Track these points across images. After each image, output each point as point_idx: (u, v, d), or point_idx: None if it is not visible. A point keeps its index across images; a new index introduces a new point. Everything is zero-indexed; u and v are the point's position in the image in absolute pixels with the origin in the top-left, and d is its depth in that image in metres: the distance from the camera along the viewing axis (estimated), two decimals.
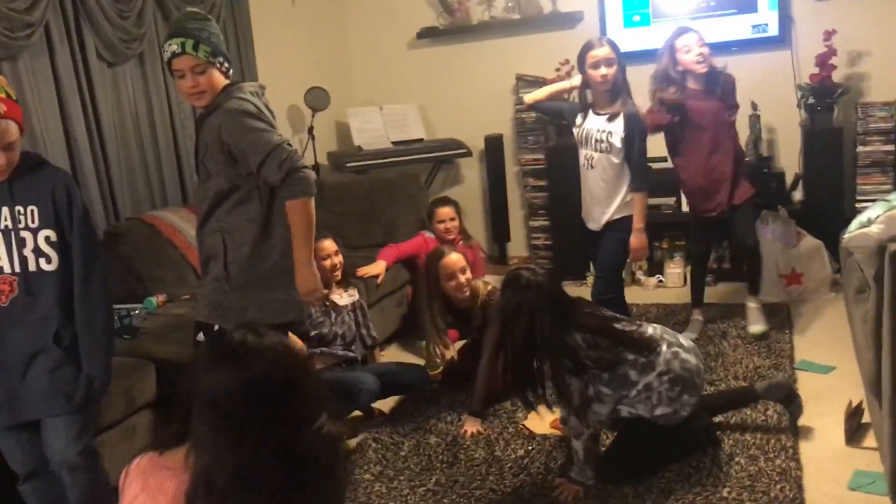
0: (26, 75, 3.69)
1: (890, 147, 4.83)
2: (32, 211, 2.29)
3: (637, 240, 3.60)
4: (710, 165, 3.99)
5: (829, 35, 4.84)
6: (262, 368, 1.46)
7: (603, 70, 3.53)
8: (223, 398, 1.43)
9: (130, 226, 3.90)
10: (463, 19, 5.88)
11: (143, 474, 1.51)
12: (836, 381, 3.52)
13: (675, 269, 5.24)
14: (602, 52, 3.54)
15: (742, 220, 4.06)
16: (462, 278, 3.65)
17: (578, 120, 3.71)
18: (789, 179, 5.13)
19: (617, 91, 3.58)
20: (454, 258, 3.69)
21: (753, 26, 5.16)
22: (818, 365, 3.68)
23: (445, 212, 4.69)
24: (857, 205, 4.92)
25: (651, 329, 2.78)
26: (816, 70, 4.89)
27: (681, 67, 3.93)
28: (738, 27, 5.19)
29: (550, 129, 5.72)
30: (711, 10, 5.28)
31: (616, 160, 3.61)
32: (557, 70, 5.56)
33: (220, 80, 2.57)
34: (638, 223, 3.60)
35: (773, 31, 5.12)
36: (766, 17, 5.15)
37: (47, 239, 2.30)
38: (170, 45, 2.48)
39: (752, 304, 4.19)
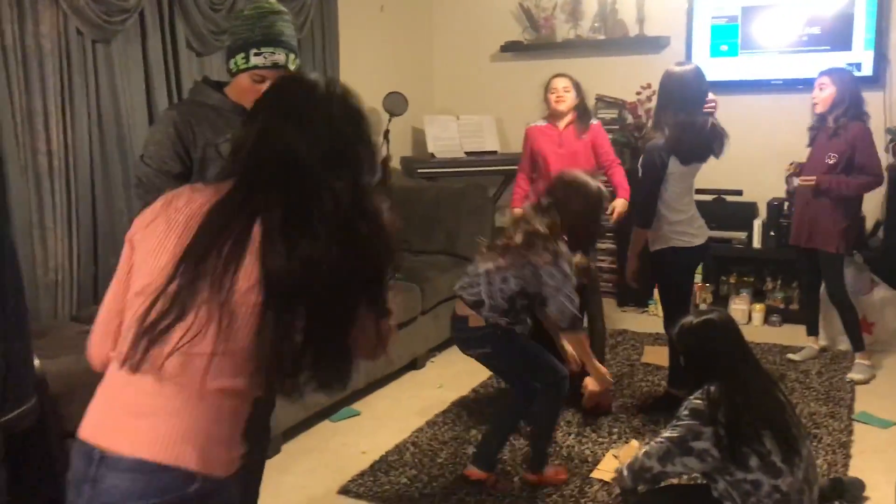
0: (118, 58, 3.84)
1: None
2: None
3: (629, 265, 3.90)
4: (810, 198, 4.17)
5: None
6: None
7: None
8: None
9: None
10: (548, 36, 5.89)
11: (168, 196, 1.44)
12: (894, 437, 3.38)
13: (741, 306, 5.11)
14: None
15: (827, 269, 4.13)
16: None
17: None
18: (870, 225, 4.97)
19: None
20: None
21: (847, 65, 5.00)
22: (878, 419, 3.54)
23: (559, 81, 4.27)
24: None
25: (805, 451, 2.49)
26: None
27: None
28: (830, 64, 5.03)
29: (626, 152, 5.66)
30: (804, 46, 5.16)
31: None
32: (638, 94, 5.51)
33: None
34: (630, 251, 3.89)
35: (867, 70, 4.96)
36: (861, 56, 5.01)
37: None
38: (273, 53, 2.18)
39: (857, 360, 4.16)
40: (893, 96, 5.00)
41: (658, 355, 4.30)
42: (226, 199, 1.37)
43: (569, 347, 3.28)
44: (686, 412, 2.42)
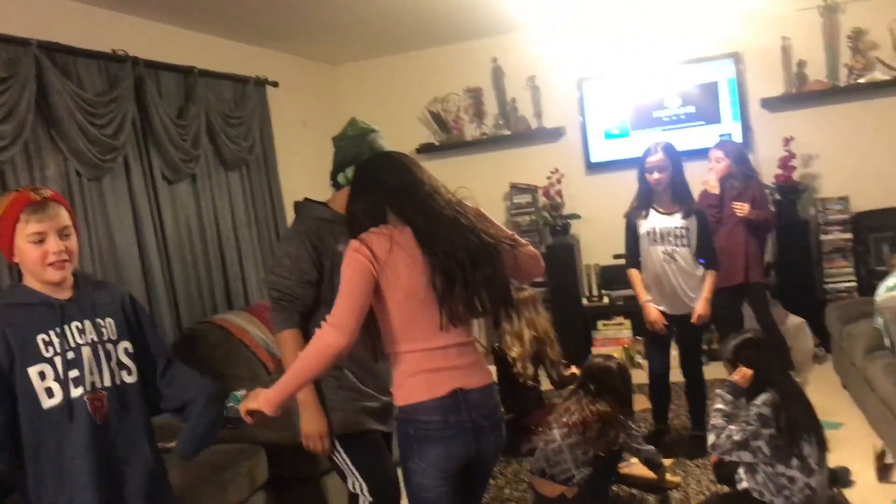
0: (109, 195, 4.03)
1: (848, 235, 5.56)
2: (110, 323, 2.23)
3: (704, 308, 3.98)
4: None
5: (787, 141, 5.60)
6: None
7: (655, 175, 3.99)
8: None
9: (205, 328, 4.20)
10: (458, 136, 6.49)
11: (386, 236, 2.13)
12: (848, 434, 4.04)
13: None
14: (654, 158, 4.01)
15: (754, 299, 4.78)
16: None
17: (643, 224, 4.06)
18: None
19: (678, 191, 4.02)
20: None
21: (720, 135, 5.88)
22: (828, 423, 4.16)
23: None
24: (826, 286, 5.61)
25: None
26: (780, 171, 5.63)
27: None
28: (707, 136, 5.89)
29: (546, 231, 6.28)
30: (682, 122, 6.03)
31: (692, 250, 4.02)
32: (548, 178, 6.17)
33: None
34: (707, 294, 3.99)
35: (738, 138, 5.85)
36: (731, 127, 5.92)
37: (126, 350, 2.25)
38: None
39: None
40: (759, 156, 5.89)
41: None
42: (414, 234, 2.14)
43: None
44: (755, 417, 2.99)
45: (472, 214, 2.21)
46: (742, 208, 4.76)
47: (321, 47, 6.15)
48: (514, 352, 4.42)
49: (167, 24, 4.70)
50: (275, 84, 5.65)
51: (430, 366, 2.16)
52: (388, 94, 6.71)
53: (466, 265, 2.12)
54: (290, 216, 5.83)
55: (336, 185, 2.64)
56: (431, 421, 2.14)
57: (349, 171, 2.56)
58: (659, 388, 4.28)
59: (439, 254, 2.11)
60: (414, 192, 2.18)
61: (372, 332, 2.23)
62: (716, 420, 3.20)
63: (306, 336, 2.50)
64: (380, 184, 2.21)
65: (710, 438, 3.16)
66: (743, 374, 3.24)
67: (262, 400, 2.18)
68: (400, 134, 6.63)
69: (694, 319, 4.00)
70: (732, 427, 3.08)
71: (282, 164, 5.75)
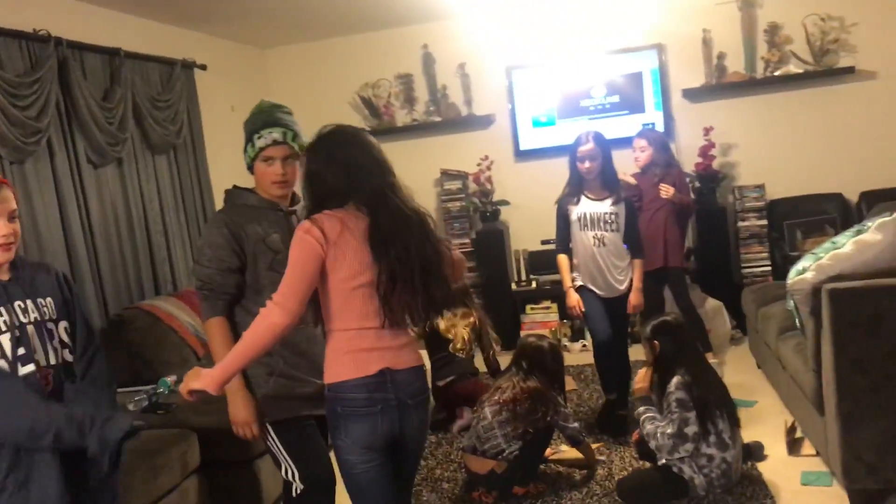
0: (32, 178, 3.93)
1: (763, 222, 5.80)
2: (50, 303, 2.26)
3: (637, 298, 4.12)
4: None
5: (707, 131, 5.81)
6: None
7: (587, 163, 4.07)
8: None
9: (133, 314, 4.15)
10: (389, 122, 6.51)
11: (338, 218, 2.16)
12: (761, 410, 4.25)
13: None
14: (585, 147, 4.09)
15: (674, 283, 4.92)
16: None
17: (574, 210, 4.15)
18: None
19: (608, 178, 4.13)
20: None
21: (643, 124, 6.05)
22: (743, 401, 4.38)
23: None
24: (743, 270, 5.85)
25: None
26: (700, 159, 5.83)
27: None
28: (631, 125, 6.06)
29: (476, 217, 6.37)
30: (607, 112, 6.19)
31: (620, 235, 4.13)
32: (479, 165, 6.26)
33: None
34: (638, 283, 4.12)
35: (661, 127, 6.04)
36: (654, 117, 6.10)
37: (66, 329, 2.28)
38: (270, 132, 2.54)
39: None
40: (680, 144, 6.11)
41: None
42: (370, 222, 2.17)
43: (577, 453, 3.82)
44: (675, 404, 3.09)
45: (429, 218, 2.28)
46: (668, 190, 4.91)
47: (250, 30, 6.09)
48: (451, 334, 4.60)
49: (91, 3, 4.59)
50: (203, 67, 5.57)
51: (362, 345, 2.21)
52: (318, 78, 6.69)
53: (416, 271, 2.19)
54: (219, 201, 5.81)
55: (249, 169, 2.63)
56: (357, 398, 2.20)
57: (249, 150, 2.58)
58: (604, 356, 4.24)
59: (392, 257, 2.16)
60: (390, 197, 2.21)
61: (318, 304, 2.27)
62: (648, 427, 3.31)
63: (233, 323, 2.54)
64: (357, 182, 2.22)
65: (652, 444, 3.29)
66: (641, 377, 3.44)
67: (205, 379, 2.17)
68: (331, 119, 6.44)
69: (630, 310, 4.15)
70: (661, 423, 3.23)
71: (210, 148, 5.68)
